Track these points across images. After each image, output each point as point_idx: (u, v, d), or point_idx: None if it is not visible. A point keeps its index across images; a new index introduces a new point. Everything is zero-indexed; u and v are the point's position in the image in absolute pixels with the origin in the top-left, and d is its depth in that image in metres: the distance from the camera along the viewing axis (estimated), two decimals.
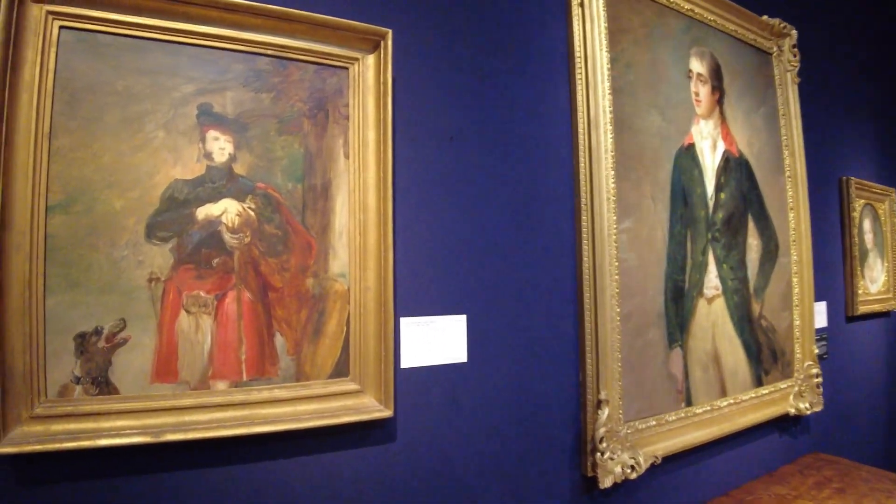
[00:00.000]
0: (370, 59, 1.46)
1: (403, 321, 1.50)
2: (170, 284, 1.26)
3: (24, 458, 1.14)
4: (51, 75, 1.17)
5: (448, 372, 1.55)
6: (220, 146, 1.32)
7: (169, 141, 1.27)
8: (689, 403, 1.90)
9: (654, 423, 1.78)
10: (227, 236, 1.31)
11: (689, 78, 2.01)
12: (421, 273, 1.53)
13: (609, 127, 1.71)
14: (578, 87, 1.72)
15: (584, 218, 1.70)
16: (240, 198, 1.33)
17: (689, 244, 1.94)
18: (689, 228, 1.95)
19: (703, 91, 2.04)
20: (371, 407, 1.40)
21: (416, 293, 1.52)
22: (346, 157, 1.44)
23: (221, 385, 1.29)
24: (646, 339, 1.80)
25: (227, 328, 1.31)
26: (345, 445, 1.41)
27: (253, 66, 1.35)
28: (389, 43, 1.43)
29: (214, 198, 1.30)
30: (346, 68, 1.45)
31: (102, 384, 1.19)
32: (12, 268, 1.12)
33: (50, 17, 1.18)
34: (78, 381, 1.17)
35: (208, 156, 1.30)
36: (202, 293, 1.29)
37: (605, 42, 1.72)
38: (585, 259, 1.69)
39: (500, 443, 1.59)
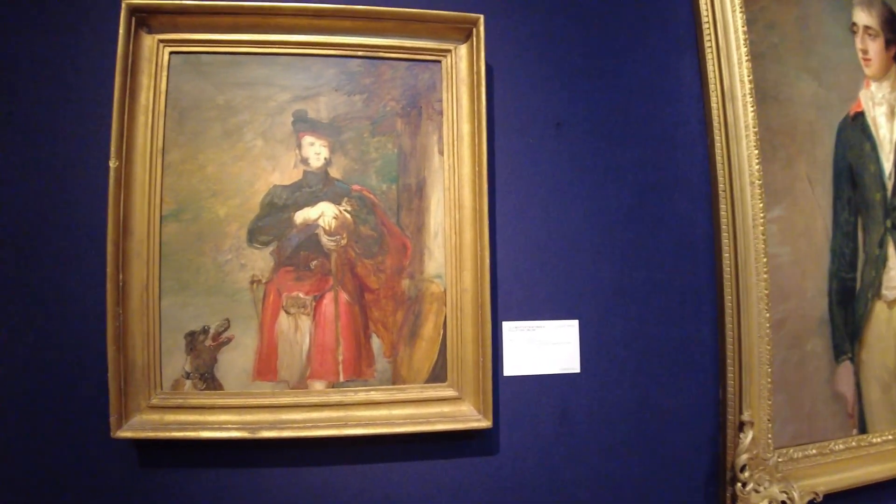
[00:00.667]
0: (463, 50, 1.39)
1: (506, 325, 1.40)
2: (270, 286, 1.30)
3: (143, 443, 1.24)
4: (163, 97, 1.28)
5: (558, 383, 1.42)
6: (316, 151, 1.34)
7: (267, 149, 1.32)
8: (862, 430, 1.54)
9: (814, 451, 1.46)
10: (324, 239, 1.33)
11: (854, 33, 1.65)
12: (526, 274, 1.42)
13: (749, 99, 1.44)
14: (708, 56, 1.49)
15: (722, 207, 1.46)
16: (336, 201, 1.33)
17: (860, 234, 1.58)
18: (859, 215, 1.59)
19: (873, 47, 1.65)
20: (469, 416, 1.33)
21: (520, 296, 1.41)
22: (441, 153, 1.38)
23: (319, 385, 1.30)
24: (803, 350, 1.50)
25: (325, 329, 1.32)
26: (442, 454, 1.35)
27: (345, 69, 1.36)
28: (481, 29, 1.35)
29: (312, 202, 1.33)
30: (439, 61, 1.40)
31: (209, 380, 1.26)
32: (133, 272, 1.23)
33: (161, 44, 1.28)
34: (188, 376, 1.26)
35: (305, 161, 1.33)
36: (301, 294, 1.32)
37: (738, 1, 1.47)
38: (725, 255, 1.45)
39: (618, 464, 1.42)
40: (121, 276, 1.21)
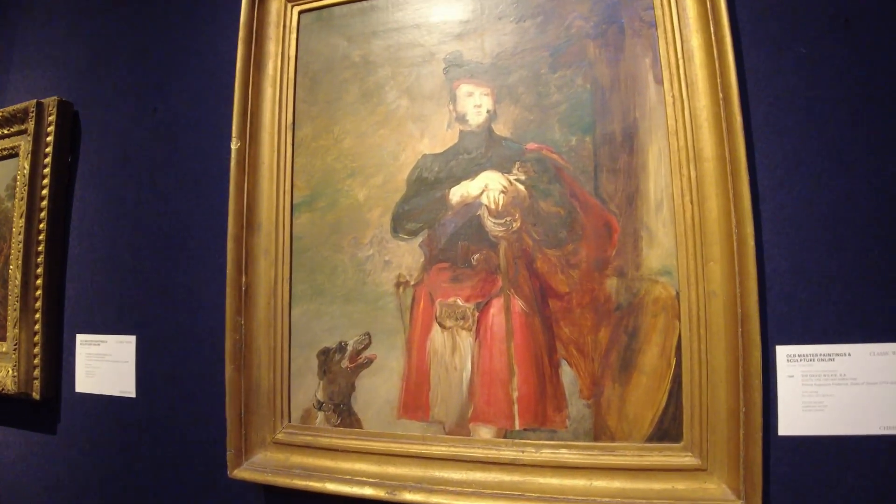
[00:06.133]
0: None
1: (781, 352, 0.85)
2: (420, 290, 0.98)
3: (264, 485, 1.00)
4: (292, 64, 1.10)
5: (881, 450, 0.80)
6: (476, 102, 0.99)
7: (413, 109, 1.02)
8: None
9: None
10: (489, 222, 0.96)
11: None
12: (812, 268, 0.85)
13: None
14: None
15: None
16: (504, 168, 0.96)
17: None
18: None
19: None
20: (718, 499, 0.81)
21: (805, 305, 0.85)
22: (659, 82, 0.90)
23: (485, 432, 0.93)
24: None
25: (493, 351, 0.94)
26: None
27: None
28: None
29: (471, 172, 0.98)
30: None
31: (345, 413, 0.98)
32: (259, 273, 1.02)
33: (289, 5, 1.11)
34: (320, 406, 0.99)
35: (461, 118, 0.99)
36: (459, 301, 0.97)
37: None
38: None
39: None
40: (244, 279, 1.00)
